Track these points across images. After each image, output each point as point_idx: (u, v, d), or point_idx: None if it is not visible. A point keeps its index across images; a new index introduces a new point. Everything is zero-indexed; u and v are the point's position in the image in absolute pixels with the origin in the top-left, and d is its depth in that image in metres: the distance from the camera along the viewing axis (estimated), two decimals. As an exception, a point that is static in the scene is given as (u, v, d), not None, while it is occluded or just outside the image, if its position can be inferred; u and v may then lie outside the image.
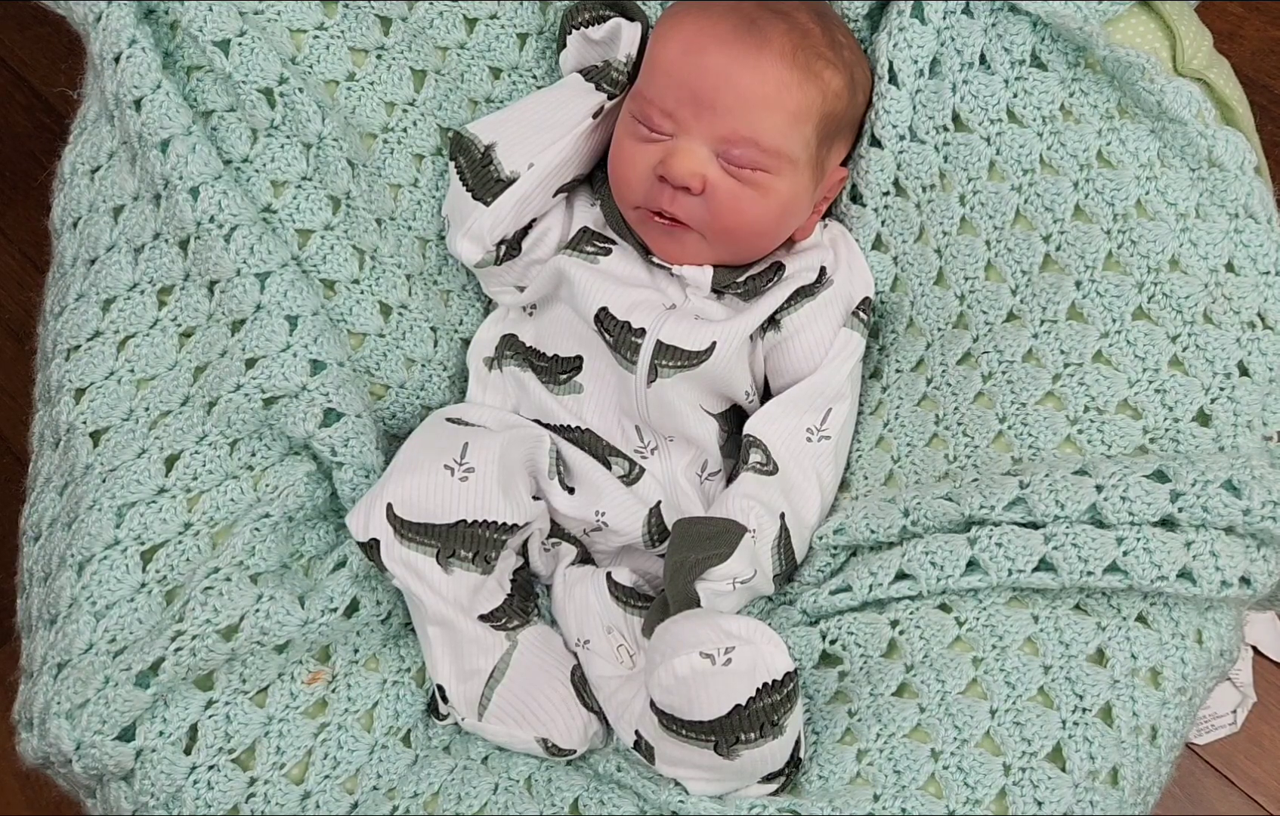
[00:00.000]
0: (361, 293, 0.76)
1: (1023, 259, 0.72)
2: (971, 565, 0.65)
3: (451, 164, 0.78)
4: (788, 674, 0.60)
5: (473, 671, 0.70)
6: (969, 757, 0.60)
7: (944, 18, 0.74)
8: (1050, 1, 0.70)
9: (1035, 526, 0.64)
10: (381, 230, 0.78)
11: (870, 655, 0.67)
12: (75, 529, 0.67)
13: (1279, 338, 0.66)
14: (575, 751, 0.70)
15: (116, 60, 0.68)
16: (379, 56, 0.77)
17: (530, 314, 0.82)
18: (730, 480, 0.77)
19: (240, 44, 0.70)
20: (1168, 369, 0.67)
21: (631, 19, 0.79)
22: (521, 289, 0.82)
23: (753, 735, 0.59)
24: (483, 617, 0.71)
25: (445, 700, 0.71)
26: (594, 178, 0.83)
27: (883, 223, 0.79)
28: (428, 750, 0.71)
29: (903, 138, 0.76)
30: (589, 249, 0.79)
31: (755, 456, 0.75)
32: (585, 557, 0.80)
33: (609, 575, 0.75)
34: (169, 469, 0.69)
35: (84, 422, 0.69)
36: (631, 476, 0.77)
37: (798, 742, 0.63)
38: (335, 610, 0.68)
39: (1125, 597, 0.63)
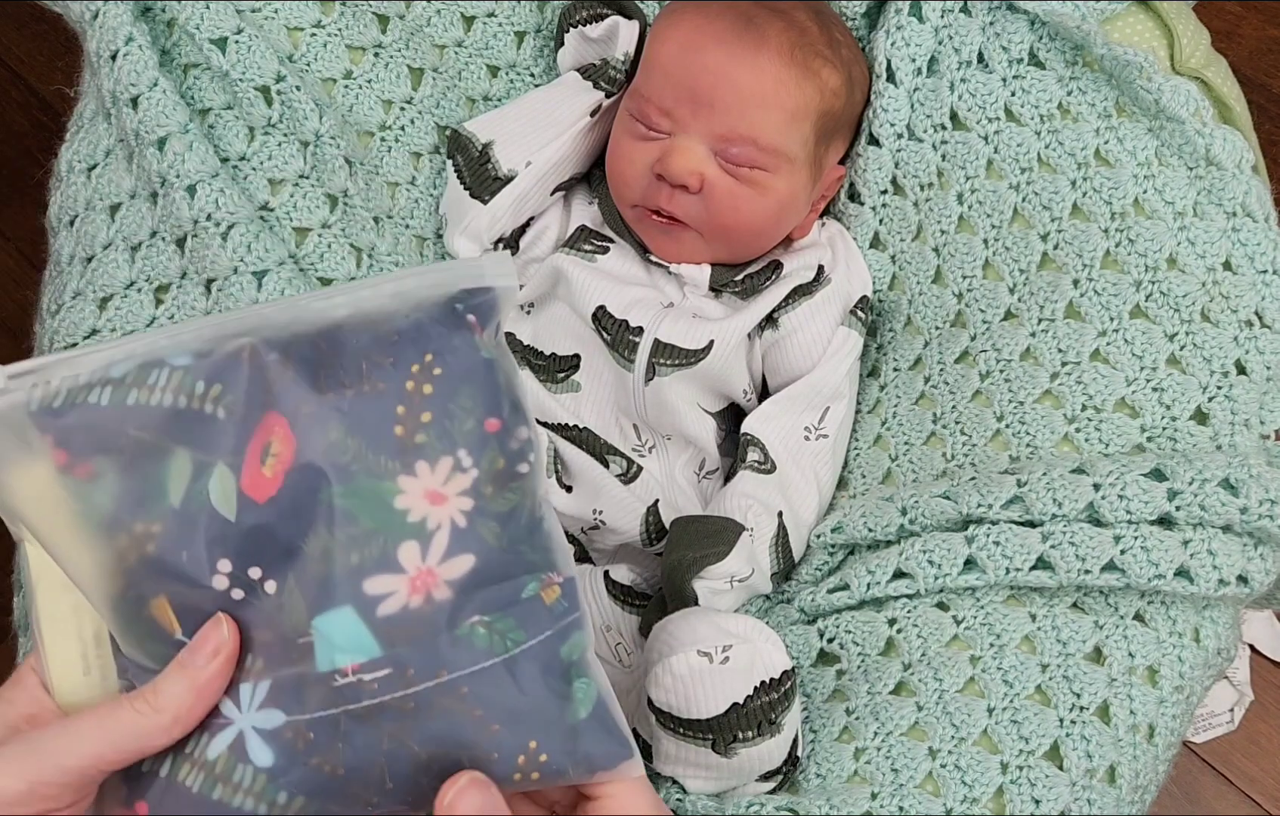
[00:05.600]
0: (359, 291, 0.76)
1: (1020, 257, 0.72)
2: (969, 563, 0.65)
3: (449, 162, 0.78)
4: (785, 672, 0.60)
5: (470, 670, 0.70)
6: (966, 756, 0.60)
7: (942, 16, 0.74)
8: (1048, 0, 0.70)
9: (1033, 525, 0.64)
10: (379, 228, 0.78)
11: (868, 653, 0.67)
12: (72, 527, 0.67)
13: (1276, 336, 0.66)
14: (573, 750, 0.70)
15: (113, 57, 0.68)
16: (376, 54, 0.77)
17: (528, 312, 0.82)
18: (728, 478, 0.77)
19: (237, 42, 0.70)
20: (1165, 367, 0.67)
21: (629, 17, 0.79)
22: (519, 287, 0.81)
23: (750, 733, 0.59)
24: (480, 616, 0.71)
25: (443, 698, 0.70)
26: (592, 176, 0.83)
27: (880, 221, 0.79)
28: (425, 748, 0.71)
29: (900, 136, 0.76)
30: (587, 247, 0.79)
31: (753, 455, 0.74)
32: (583, 556, 0.80)
33: (606, 573, 0.75)
34: (166, 467, 0.68)
35: (81, 421, 0.69)
36: (629, 475, 0.77)
37: (795, 741, 0.63)
38: (332, 608, 0.67)
39: (1123, 596, 0.63)
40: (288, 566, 0.41)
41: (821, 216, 0.81)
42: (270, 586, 0.41)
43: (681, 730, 0.60)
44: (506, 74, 0.84)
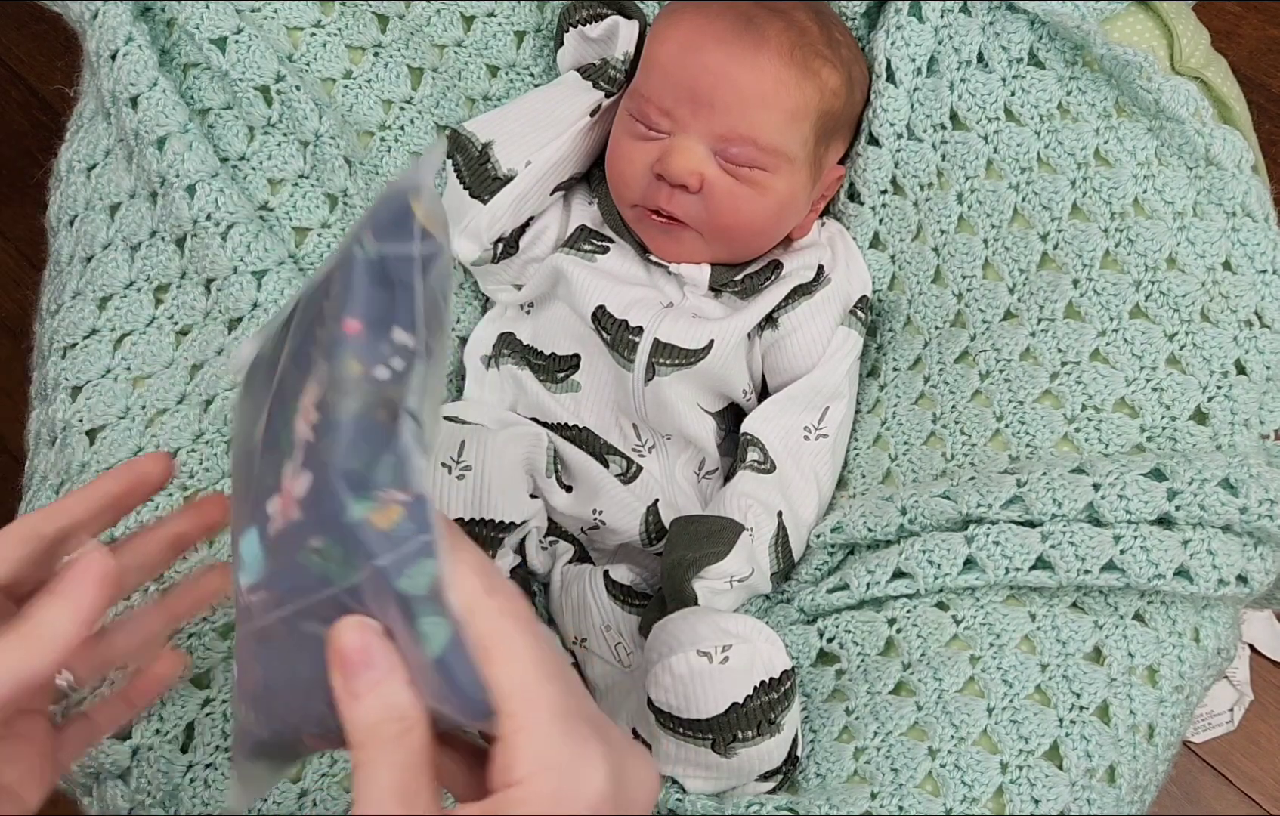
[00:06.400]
0: (359, 291, 0.76)
1: (1020, 257, 0.72)
2: (969, 563, 0.65)
3: (448, 162, 0.78)
4: (785, 672, 0.60)
5: (470, 669, 0.70)
6: (966, 755, 0.60)
7: (942, 16, 0.74)
8: (1048, 0, 0.70)
9: (1032, 525, 0.64)
10: (379, 228, 0.77)
11: (868, 653, 0.67)
12: (72, 527, 0.67)
13: (1276, 336, 0.66)
14: (572, 749, 0.69)
15: (113, 57, 0.68)
16: (376, 54, 0.77)
17: (528, 312, 0.82)
18: (728, 478, 0.77)
19: (237, 41, 0.70)
20: (1165, 367, 0.67)
21: (629, 17, 0.79)
22: (519, 287, 0.81)
23: (750, 733, 0.59)
24: (480, 616, 0.71)
25: (442, 698, 0.70)
26: (591, 176, 0.83)
27: (880, 221, 0.79)
28: (425, 748, 0.71)
29: (900, 136, 0.76)
30: (586, 247, 0.79)
31: (753, 454, 0.74)
32: (583, 556, 0.80)
33: (606, 573, 0.75)
34: (166, 467, 0.68)
35: (80, 420, 0.69)
36: (629, 475, 0.77)
37: (795, 741, 0.63)
38: (332, 608, 0.67)
39: (1122, 596, 0.63)
40: (241, 500, 0.43)
41: (821, 216, 0.81)
42: None
43: (681, 730, 0.60)
44: (506, 74, 0.84)
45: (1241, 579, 0.61)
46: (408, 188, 0.40)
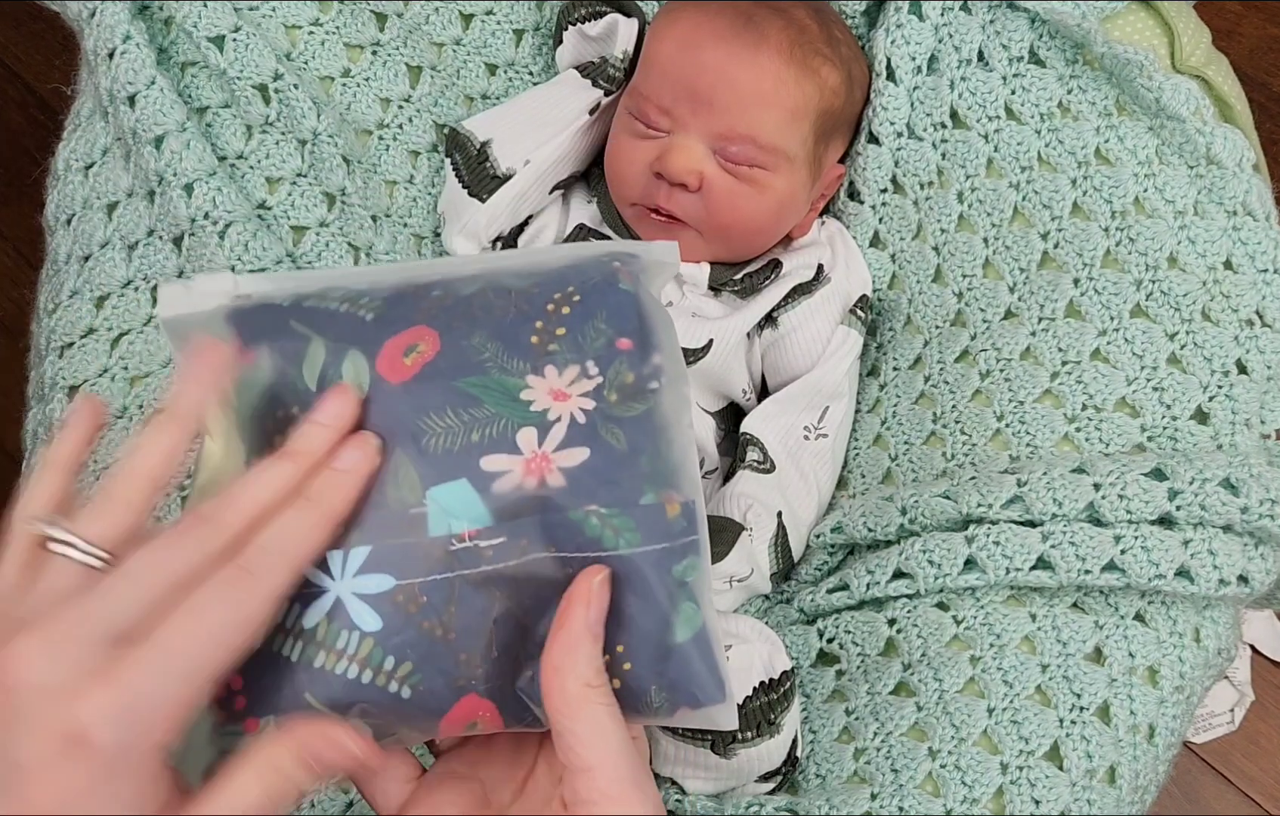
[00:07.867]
0: (357, 290, 0.76)
1: (1021, 256, 0.72)
2: (969, 563, 0.64)
3: (447, 160, 0.78)
4: (785, 672, 0.60)
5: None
6: (966, 756, 0.60)
7: (942, 14, 0.74)
8: (1048, -2, 0.70)
9: (1033, 525, 0.63)
10: (377, 227, 0.77)
11: (868, 653, 0.67)
12: (69, 527, 0.66)
13: (1277, 335, 0.66)
14: (571, 750, 0.69)
15: (110, 56, 0.67)
16: (374, 52, 0.77)
17: (526, 311, 0.82)
18: (727, 478, 0.77)
19: (235, 40, 0.70)
20: (1166, 367, 0.66)
21: (628, 15, 0.79)
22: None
23: (749, 734, 0.59)
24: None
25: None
26: (590, 174, 0.83)
27: (880, 220, 0.79)
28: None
29: (900, 135, 0.76)
30: (585, 246, 0.79)
31: (752, 454, 0.74)
32: (582, 556, 0.79)
33: (605, 573, 0.75)
34: (163, 467, 0.68)
35: (78, 420, 0.69)
36: (628, 474, 0.77)
37: (795, 741, 0.63)
38: (330, 608, 0.67)
39: (1123, 596, 0.63)
40: (407, 443, 0.42)
41: (821, 215, 0.81)
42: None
43: (680, 730, 0.60)
44: (505, 72, 0.84)
45: (1242, 579, 0.61)
46: (650, 263, 0.48)
